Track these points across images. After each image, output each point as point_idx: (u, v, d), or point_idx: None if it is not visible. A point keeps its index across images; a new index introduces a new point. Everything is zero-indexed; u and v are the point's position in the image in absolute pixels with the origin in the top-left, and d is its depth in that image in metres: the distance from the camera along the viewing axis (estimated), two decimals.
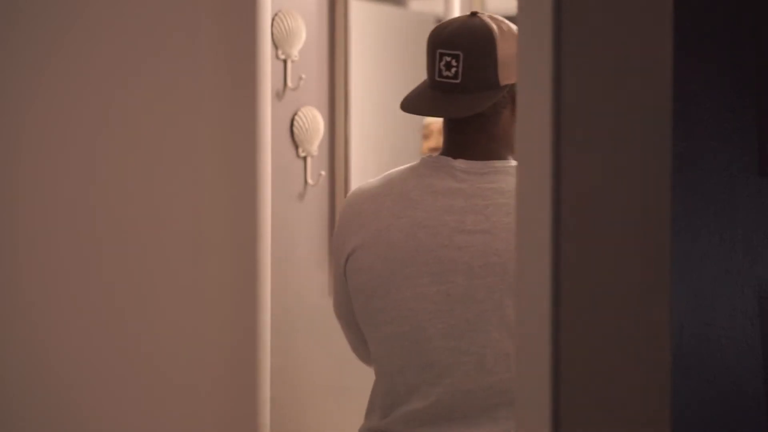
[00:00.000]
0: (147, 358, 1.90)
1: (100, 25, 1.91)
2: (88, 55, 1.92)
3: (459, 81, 1.78)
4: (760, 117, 1.28)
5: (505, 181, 1.77)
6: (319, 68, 2.50)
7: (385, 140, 2.79)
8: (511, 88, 1.80)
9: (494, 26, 1.79)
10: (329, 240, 2.54)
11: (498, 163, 1.79)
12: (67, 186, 1.94)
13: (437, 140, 2.88)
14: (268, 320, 1.95)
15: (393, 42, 2.84)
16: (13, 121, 1.96)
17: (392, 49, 2.83)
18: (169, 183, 1.89)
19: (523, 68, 1.11)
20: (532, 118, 1.09)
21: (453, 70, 1.79)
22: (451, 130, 1.84)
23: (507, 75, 1.78)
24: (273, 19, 2.36)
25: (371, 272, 1.82)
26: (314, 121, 2.46)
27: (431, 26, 3.01)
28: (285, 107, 2.42)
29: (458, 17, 1.86)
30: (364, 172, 2.65)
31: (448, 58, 1.79)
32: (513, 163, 1.79)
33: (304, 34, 2.43)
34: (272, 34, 2.36)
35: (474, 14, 1.83)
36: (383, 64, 2.77)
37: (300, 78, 2.43)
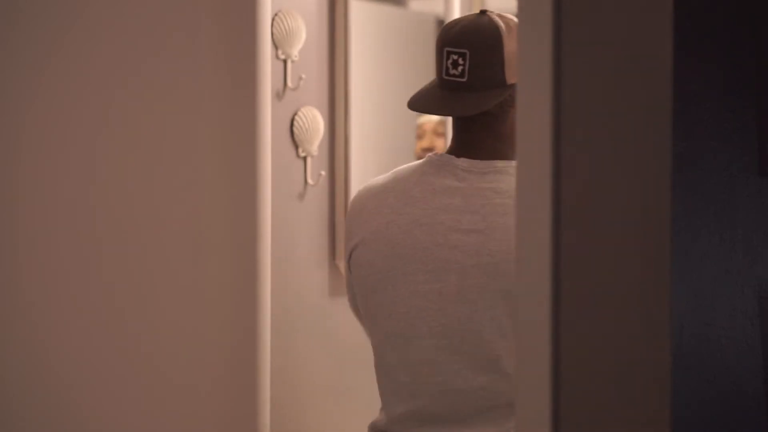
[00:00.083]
0: (147, 358, 1.90)
1: (100, 25, 1.91)
2: (88, 55, 1.92)
3: (465, 79, 1.78)
4: (760, 117, 1.28)
5: (505, 181, 1.77)
6: (319, 68, 2.50)
7: (385, 140, 2.79)
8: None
9: (502, 24, 1.79)
10: (329, 240, 2.54)
11: (500, 163, 1.78)
12: (67, 186, 1.94)
13: (431, 140, 2.88)
14: (268, 320, 1.95)
15: (393, 42, 2.84)
16: (13, 121, 1.96)
17: (392, 49, 2.83)
18: (169, 183, 1.88)
19: (523, 68, 1.11)
20: (532, 118, 1.09)
21: (460, 68, 1.79)
22: (458, 128, 1.85)
23: (514, 74, 1.77)
24: (273, 19, 2.36)
25: (371, 268, 1.83)
26: (314, 121, 2.46)
27: (431, 26, 3.02)
28: (285, 107, 2.42)
29: (467, 16, 1.86)
30: (364, 172, 2.65)
31: (455, 57, 1.79)
32: (514, 163, 1.79)
33: (304, 34, 2.43)
34: (272, 34, 2.36)
35: (483, 12, 1.83)
36: (383, 64, 2.77)
37: (300, 78, 2.43)
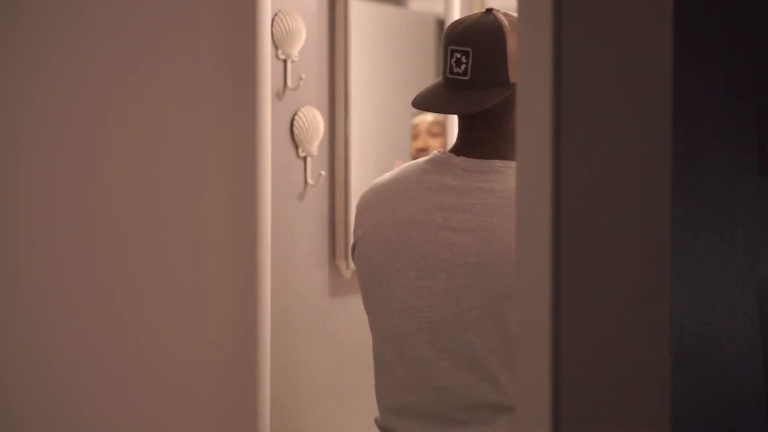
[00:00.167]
0: (147, 358, 1.90)
1: (100, 25, 1.91)
2: (88, 55, 1.92)
3: (468, 77, 1.79)
4: (760, 117, 1.28)
5: (499, 181, 1.77)
6: (319, 68, 2.50)
7: (385, 140, 2.79)
8: None
9: (506, 23, 1.79)
10: (329, 240, 2.54)
11: (497, 163, 1.79)
12: (67, 186, 1.94)
13: (425, 141, 2.88)
14: (268, 320, 1.95)
15: (393, 42, 2.84)
16: (13, 121, 1.96)
17: (392, 49, 2.83)
18: (169, 183, 1.89)
19: (523, 68, 1.11)
20: (532, 118, 1.09)
21: (463, 66, 1.79)
22: (461, 126, 1.86)
23: (517, 73, 1.77)
24: (273, 19, 2.36)
25: (369, 263, 1.85)
26: (314, 121, 2.46)
27: (431, 26, 3.02)
28: (285, 107, 2.42)
29: (473, 14, 1.86)
30: (364, 172, 2.65)
31: (459, 55, 1.80)
32: (513, 164, 1.79)
33: (304, 34, 2.43)
34: (272, 34, 2.36)
35: (489, 11, 1.83)
36: (383, 64, 2.77)
37: (300, 78, 2.43)
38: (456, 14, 2.83)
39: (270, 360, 1.98)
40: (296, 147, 2.45)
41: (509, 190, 1.75)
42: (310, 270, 2.49)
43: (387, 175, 1.90)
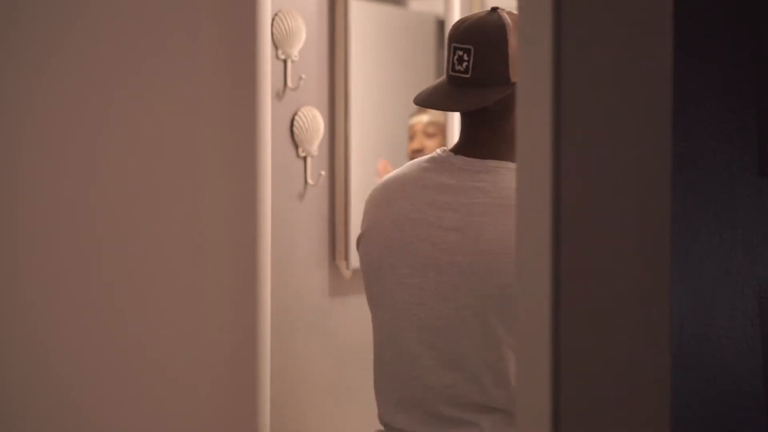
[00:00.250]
0: (147, 358, 1.90)
1: (100, 25, 1.91)
2: (88, 55, 1.92)
3: (469, 75, 1.79)
4: (760, 117, 1.28)
5: (492, 181, 1.78)
6: (319, 68, 2.50)
7: (384, 140, 2.78)
8: None
9: (509, 22, 1.79)
10: (329, 240, 2.54)
11: (492, 163, 1.79)
12: (67, 186, 1.94)
13: (420, 141, 2.88)
14: (268, 320, 1.95)
15: (393, 42, 2.84)
16: (13, 121, 1.96)
17: (392, 49, 2.83)
18: (169, 183, 1.89)
19: (523, 68, 1.11)
20: (532, 117, 1.09)
21: (464, 64, 1.79)
22: (463, 125, 1.86)
23: (518, 71, 1.77)
24: (273, 19, 2.36)
25: (369, 257, 1.87)
26: (314, 121, 2.46)
27: (431, 26, 3.02)
28: (285, 107, 2.42)
29: (479, 12, 1.86)
30: (364, 172, 2.65)
31: (461, 53, 1.80)
32: (508, 164, 1.79)
33: (304, 34, 2.43)
34: (272, 34, 2.36)
35: (494, 10, 1.83)
36: (383, 64, 2.77)
37: (300, 78, 2.43)
38: (456, 14, 2.83)
39: (270, 360, 1.98)
40: (296, 147, 2.45)
41: (501, 190, 1.76)
42: (310, 270, 2.49)
43: (393, 173, 1.92)
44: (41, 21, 1.94)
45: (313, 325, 2.50)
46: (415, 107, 1.94)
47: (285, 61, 2.41)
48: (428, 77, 2.87)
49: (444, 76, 1.87)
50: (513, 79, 1.78)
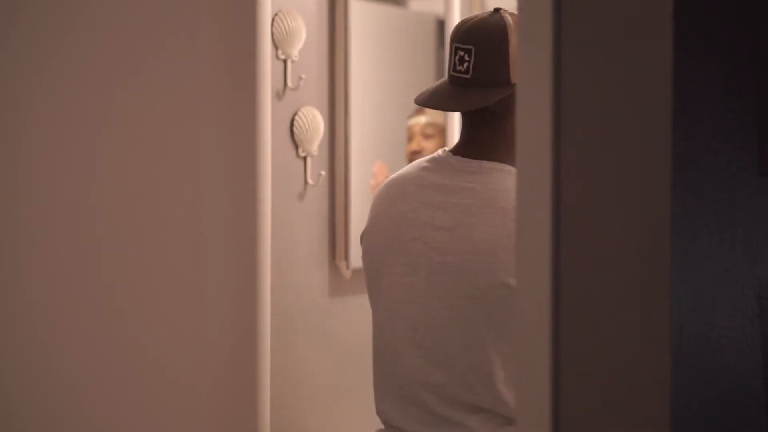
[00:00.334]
0: (147, 358, 1.90)
1: (100, 25, 1.91)
2: (88, 55, 1.92)
3: (470, 76, 1.79)
4: (760, 117, 1.28)
5: (484, 182, 1.78)
6: (319, 68, 2.50)
7: (384, 140, 2.78)
8: None
9: (511, 23, 1.79)
10: (329, 240, 2.54)
11: (487, 164, 1.80)
12: (67, 186, 1.94)
13: (419, 142, 2.88)
14: (268, 320, 1.95)
15: (393, 42, 2.84)
16: (13, 121, 1.96)
17: (392, 49, 2.83)
18: (169, 183, 1.88)
19: (523, 67, 1.11)
20: (532, 117, 1.09)
21: (465, 64, 1.80)
22: (463, 125, 1.87)
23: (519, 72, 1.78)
24: (273, 19, 2.36)
25: (369, 256, 1.89)
26: (314, 121, 2.46)
27: (431, 26, 3.02)
28: (285, 107, 2.42)
29: (481, 13, 1.86)
30: (364, 172, 2.65)
31: (462, 53, 1.80)
32: (503, 166, 1.80)
33: (304, 34, 2.43)
34: (272, 34, 2.36)
35: (497, 11, 1.83)
36: (383, 64, 2.77)
37: (300, 78, 2.43)
38: (456, 14, 2.83)
39: (270, 360, 1.98)
40: (296, 147, 2.45)
41: (492, 191, 1.76)
42: (310, 270, 2.49)
43: (397, 172, 1.93)
44: (41, 21, 1.94)
45: (313, 325, 2.50)
46: (415, 107, 1.95)
47: (285, 61, 2.41)
48: (428, 77, 2.87)
49: (445, 77, 1.87)
50: (514, 79, 1.78)
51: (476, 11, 2.91)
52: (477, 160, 1.80)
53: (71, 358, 1.94)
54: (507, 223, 1.72)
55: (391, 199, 1.86)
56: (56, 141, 1.94)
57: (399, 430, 1.82)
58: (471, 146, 1.83)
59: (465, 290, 1.74)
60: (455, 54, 1.82)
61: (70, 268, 1.93)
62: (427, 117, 2.86)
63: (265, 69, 1.92)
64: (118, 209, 1.91)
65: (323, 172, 2.51)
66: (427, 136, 2.89)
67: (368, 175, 2.67)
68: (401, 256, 1.81)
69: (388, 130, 2.80)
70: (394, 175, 1.92)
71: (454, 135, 2.76)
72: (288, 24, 2.39)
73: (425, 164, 1.86)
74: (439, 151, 1.87)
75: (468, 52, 1.80)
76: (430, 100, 1.86)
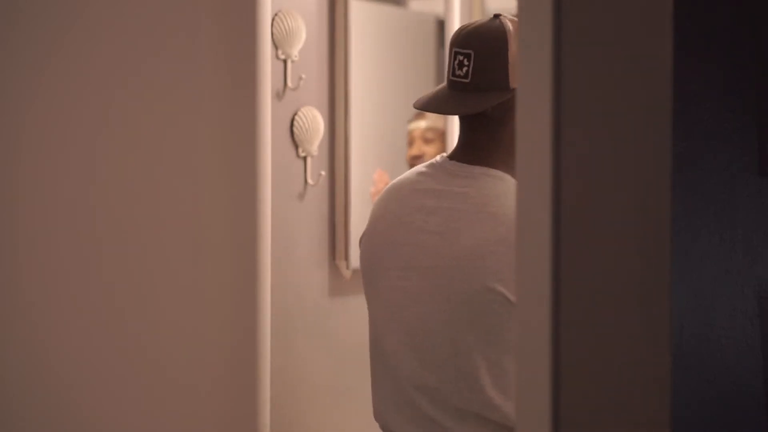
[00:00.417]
0: (147, 358, 1.90)
1: (100, 25, 1.91)
2: (88, 55, 1.92)
3: (469, 80, 1.79)
4: (760, 117, 1.28)
5: (476, 187, 1.79)
6: (319, 68, 2.50)
7: (384, 140, 2.79)
8: None
9: (511, 28, 1.80)
10: (329, 240, 2.54)
11: (480, 169, 1.80)
12: (67, 186, 1.94)
13: (419, 147, 2.88)
14: (268, 320, 1.95)
15: (393, 42, 2.84)
16: (13, 121, 1.96)
17: (392, 49, 2.83)
18: (169, 183, 1.88)
19: (524, 68, 1.11)
20: (532, 118, 1.09)
21: (464, 69, 1.80)
22: (461, 130, 1.87)
23: (518, 77, 1.78)
24: (273, 19, 2.36)
25: (364, 260, 1.89)
26: (314, 121, 2.46)
27: (431, 26, 3.02)
28: (285, 107, 2.42)
29: (481, 19, 1.87)
30: (364, 172, 2.65)
31: (461, 57, 1.81)
32: (496, 172, 1.80)
33: (304, 34, 2.43)
34: (272, 34, 2.36)
35: (497, 16, 1.84)
36: (383, 64, 2.77)
37: (300, 78, 2.43)
38: (456, 14, 2.83)
39: (270, 360, 1.98)
40: (296, 147, 2.45)
41: (483, 197, 1.77)
42: (310, 270, 2.49)
43: (398, 177, 1.94)
44: (41, 21, 1.94)
45: (313, 325, 2.50)
46: (415, 111, 1.95)
47: (285, 61, 2.41)
48: (428, 77, 2.87)
49: (444, 82, 1.87)
50: (513, 85, 1.79)
51: (476, 11, 2.91)
52: (471, 165, 1.81)
53: (71, 358, 1.94)
54: (497, 228, 1.72)
55: (389, 204, 1.87)
56: (56, 141, 1.94)
57: None
58: (467, 151, 1.83)
59: (452, 295, 1.74)
60: (455, 58, 1.82)
61: (70, 268, 1.93)
62: (428, 121, 2.86)
63: (265, 69, 1.92)
64: (118, 209, 1.91)
65: (323, 172, 2.51)
66: (427, 141, 2.89)
67: (368, 175, 2.67)
68: (396, 260, 1.81)
69: (388, 130, 2.80)
70: (394, 180, 1.93)
71: (454, 139, 2.76)
72: (288, 24, 2.39)
73: (423, 169, 1.87)
74: (438, 157, 1.88)
75: (467, 56, 1.80)
76: (428, 104, 1.87)
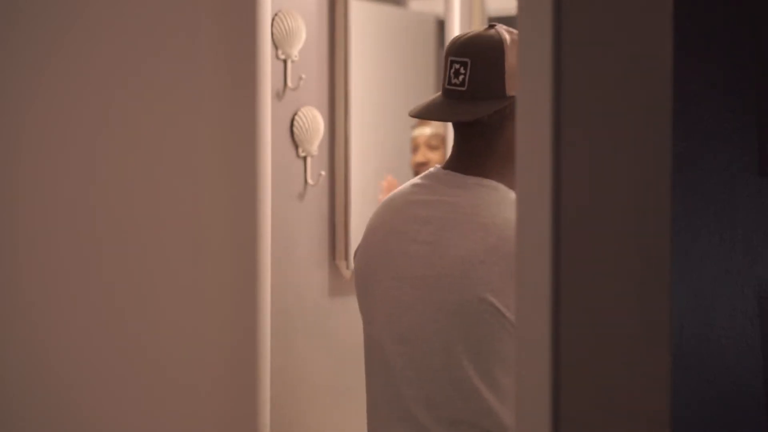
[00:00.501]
0: (147, 358, 1.90)
1: (100, 25, 1.91)
2: (88, 55, 1.92)
3: (465, 88, 1.80)
4: (760, 117, 1.28)
5: (466, 197, 1.79)
6: (319, 68, 2.50)
7: (384, 140, 2.79)
8: None
9: (507, 37, 1.81)
10: (329, 240, 2.54)
11: (472, 179, 1.80)
12: (67, 186, 1.94)
13: (424, 154, 2.88)
14: (268, 320, 1.95)
15: (393, 42, 2.84)
16: (13, 121, 1.96)
17: (392, 49, 2.83)
18: (169, 183, 1.88)
19: (523, 70, 1.11)
20: (532, 119, 1.09)
21: (461, 77, 1.81)
22: (455, 138, 1.87)
23: (514, 86, 1.79)
24: (273, 19, 2.36)
25: (359, 271, 1.90)
26: (314, 121, 2.46)
27: (431, 26, 3.02)
28: (285, 107, 2.42)
29: (476, 29, 1.88)
30: (364, 172, 2.65)
31: (457, 66, 1.81)
32: (489, 182, 1.80)
33: (304, 34, 2.43)
34: (272, 34, 2.36)
35: (491, 26, 1.85)
36: (383, 64, 2.77)
37: (300, 78, 2.43)
38: (456, 14, 2.83)
39: (270, 360, 1.98)
40: (296, 147, 2.45)
41: (474, 206, 1.77)
42: (310, 270, 2.49)
43: (395, 190, 1.94)
44: (41, 21, 1.94)
45: (313, 325, 2.50)
46: (424, 114, 1.95)
47: (285, 61, 2.41)
48: (428, 77, 2.87)
49: (439, 92, 1.88)
50: (509, 93, 1.79)
51: (476, 11, 2.91)
52: (465, 174, 1.81)
53: (71, 358, 1.94)
54: (487, 238, 1.72)
55: (384, 216, 1.87)
56: (56, 141, 1.94)
57: None
58: (462, 160, 1.83)
59: (443, 304, 1.74)
60: (450, 67, 1.83)
61: (70, 268, 1.93)
62: (432, 128, 2.86)
63: (265, 69, 1.92)
64: (118, 209, 1.91)
65: (323, 172, 2.51)
66: (432, 148, 2.89)
67: (368, 175, 2.67)
68: (390, 270, 1.82)
69: (388, 129, 2.80)
70: (391, 192, 1.93)
71: None
72: (288, 24, 2.39)
73: (418, 181, 1.88)
74: (433, 168, 1.88)
75: (464, 64, 1.81)
76: (425, 112, 1.87)
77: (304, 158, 2.47)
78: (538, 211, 1.08)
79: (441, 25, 2.90)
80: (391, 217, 1.85)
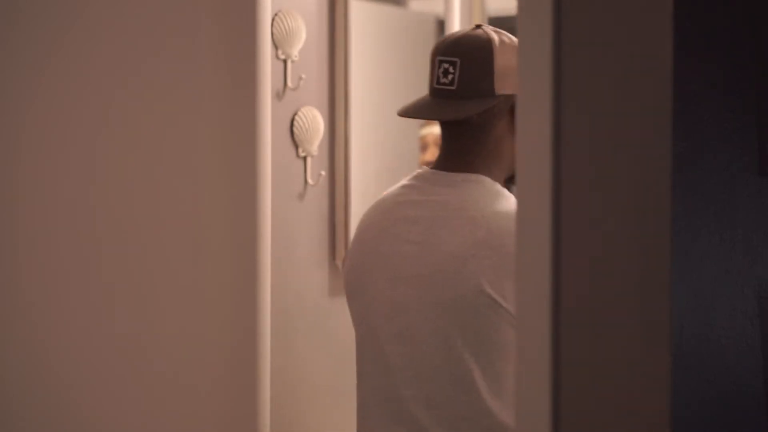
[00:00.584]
0: (147, 358, 1.89)
1: (100, 25, 1.91)
2: (88, 55, 1.92)
3: (454, 87, 1.81)
4: (760, 117, 1.28)
5: (455, 194, 1.79)
6: (319, 68, 2.49)
7: (385, 140, 2.79)
8: (510, 100, 1.82)
9: (495, 37, 1.82)
10: (329, 240, 2.54)
11: (460, 176, 1.81)
12: (67, 186, 1.94)
13: (433, 152, 2.88)
14: (268, 320, 1.95)
15: (393, 42, 2.84)
16: (13, 121, 1.96)
17: (392, 49, 2.83)
18: (169, 183, 1.88)
19: (523, 70, 1.11)
20: (532, 119, 1.09)
21: (450, 77, 1.81)
22: (443, 138, 1.88)
23: (503, 85, 1.80)
24: (273, 19, 2.36)
25: (350, 273, 1.90)
26: (314, 121, 2.46)
27: (431, 26, 3.01)
28: (285, 107, 2.42)
29: (463, 29, 1.89)
30: (364, 172, 2.65)
31: (446, 65, 1.82)
32: (476, 176, 1.80)
33: (304, 34, 2.43)
34: (272, 34, 2.36)
35: (478, 26, 1.85)
36: (383, 64, 2.77)
37: (300, 78, 2.43)
38: (456, 14, 2.83)
39: (270, 360, 1.98)
40: (296, 147, 2.45)
41: (461, 202, 1.78)
42: (310, 270, 2.49)
43: (384, 192, 1.94)
44: (41, 21, 1.94)
45: (313, 325, 2.50)
46: (415, 113, 1.95)
47: (285, 61, 2.41)
48: (428, 77, 2.87)
49: (426, 94, 1.88)
50: (498, 91, 1.80)
51: (476, 11, 2.91)
52: (454, 173, 1.82)
53: (71, 358, 1.94)
54: (476, 232, 1.73)
55: (373, 217, 1.88)
56: (56, 141, 1.94)
57: None
58: (450, 159, 1.84)
59: (438, 301, 1.75)
60: (439, 67, 1.83)
61: (70, 268, 1.93)
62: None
63: (265, 69, 1.92)
64: (118, 209, 1.91)
65: (323, 172, 2.51)
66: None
67: (368, 175, 2.67)
68: (383, 271, 1.82)
69: (388, 130, 2.80)
70: (380, 196, 1.94)
71: None
72: (288, 24, 2.39)
73: (406, 182, 1.88)
74: (421, 168, 1.89)
75: (453, 64, 1.81)
76: (414, 111, 1.87)
77: (304, 158, 2.47)
78: (538, 211, 1.08)
79: (441, 25, 2.90)
80: (381, 219, 1.85)
